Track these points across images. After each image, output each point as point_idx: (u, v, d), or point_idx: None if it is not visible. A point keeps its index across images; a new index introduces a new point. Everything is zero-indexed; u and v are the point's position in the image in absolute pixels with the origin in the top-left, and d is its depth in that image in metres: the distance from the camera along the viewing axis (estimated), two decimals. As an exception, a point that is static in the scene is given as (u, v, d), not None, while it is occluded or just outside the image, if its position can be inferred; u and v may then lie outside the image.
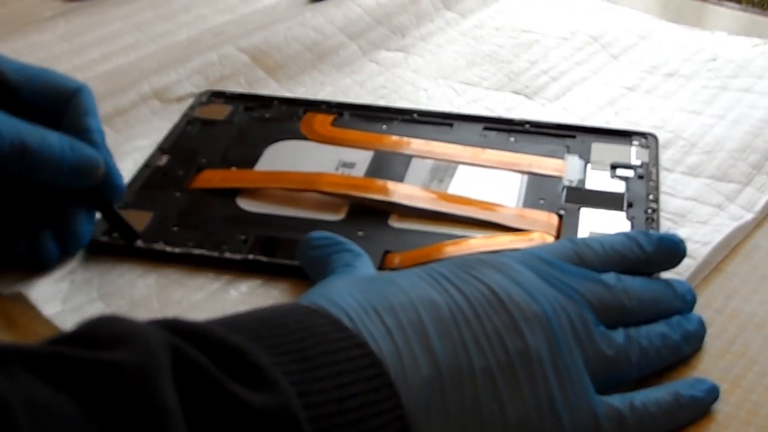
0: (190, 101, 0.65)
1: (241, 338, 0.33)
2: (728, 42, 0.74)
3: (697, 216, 0.54)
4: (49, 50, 0.72)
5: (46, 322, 0.47)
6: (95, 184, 0.49)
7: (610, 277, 0.43)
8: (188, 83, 0.67)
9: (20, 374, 0.27)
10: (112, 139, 0.61)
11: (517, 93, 0.68)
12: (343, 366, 0.34)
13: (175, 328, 0.32)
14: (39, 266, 0.49)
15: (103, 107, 0.62)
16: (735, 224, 0.54)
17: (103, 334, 0.30)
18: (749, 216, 0.55)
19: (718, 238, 0.52)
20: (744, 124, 0.63)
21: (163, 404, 0.28)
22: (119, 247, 0.51)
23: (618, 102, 0.66)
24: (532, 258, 0.42)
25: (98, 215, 0.52)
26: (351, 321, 0.36)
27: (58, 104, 0.50)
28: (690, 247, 0.51)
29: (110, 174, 0.50)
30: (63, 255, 0.50)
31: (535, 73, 0.70)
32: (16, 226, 0.49)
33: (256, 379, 0.31)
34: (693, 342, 0.45)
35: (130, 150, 0.60)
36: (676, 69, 0.70)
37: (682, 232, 0.52)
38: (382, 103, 0.66)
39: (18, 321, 0.48)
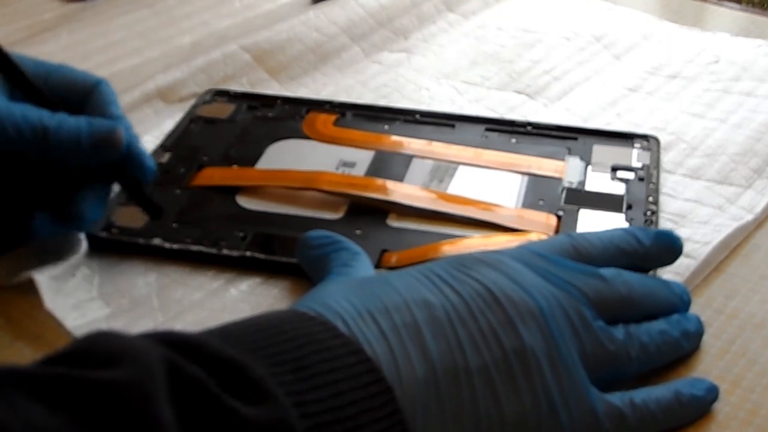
0: (193, 101, 0.66)
1: (237, 351, 0.33)
2: (731, 43, 0.74)
3: (697, 217, 0.54)
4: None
5: (44, 321, 0.47)
6: (117, 155, 0.48)
7: (608, 272, 0.43)
8: (192, 83, 0.67)
9: (17, 397, 0.27)
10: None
11: (519, 93, 0.68)
12: (340, 374, 0.34)
13: (172, 341, 0.32)
14: (27, 241, 0.49)
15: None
16: (735, 224, 0.54)
17: (99, 351, 0.30)
18: (750, 217, 0.55)
19: (718, 237, 0.52)
20: (745, 128, 0.63)
21: (160, 424, 0.28)
22: (118, 243, 0.52)
23: (620, 103, 0.66)
24: (528, 254, 0.42)
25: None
26: (346, 325, 0.36)
27: (79, 98, 0.50)
28: (690, 246, 0.51)
29: (138, 155, 0.50)
30: (64, 229, 0.50)
31: (537, 73, 0.70)
32: (13, 203, 0.49)
33: (253, 393, 0.31)
34: (692, 340, 0.45)
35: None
36: (678, 70, 0.70)
37: (682, 233, 0.52)
38: (383, 102, 0.67)
39: (18, 321, 0.48)
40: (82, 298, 0.48)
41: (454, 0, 0.80)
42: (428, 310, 0.38)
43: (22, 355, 0.46)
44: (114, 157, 0.48)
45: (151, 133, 0.62)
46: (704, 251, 0.51)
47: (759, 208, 0.55)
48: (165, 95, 0.66)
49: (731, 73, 0.70)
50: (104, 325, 0.47)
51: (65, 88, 0.50)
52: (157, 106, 0.65)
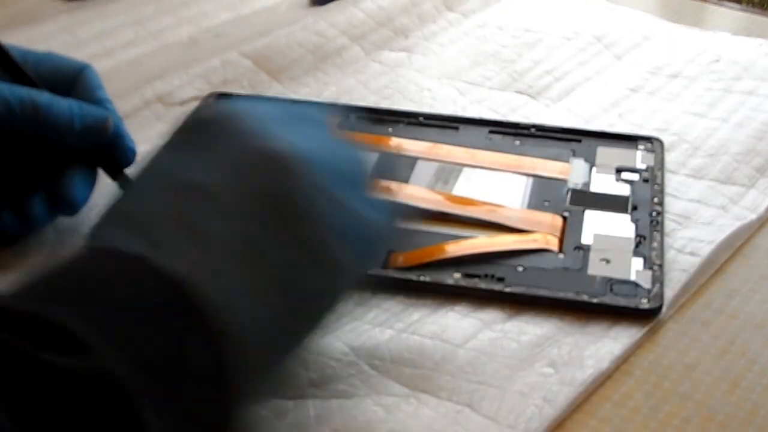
0: (193, 104, 0.66)
1: (47, 305, 0.31)
2: (732, 42, 0.74)
3: (701, 218, 0.55)
4: (48, 43, 0.72)
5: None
6: (104, 141, 0.50)
7: None
8: (191, 87, 0.67)
9: None
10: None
11: (520, 93, 0.68)
12: (149, 303, 0.32)
13: None
14: (26, 229, 0.50)
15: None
16: (738, 224, 0.54)
17: None
18: (753, 216, 0.55)
19: (721, 237, 0.53)
20: (747, 127, 0.63)
21: None
22: None
23: (621, 103, 0.66)
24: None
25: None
26: (145, 244, 0.34)
27: (66, 84, 0.52)
28: (694, 246, 0.52)
29: (122, 138, 0.52)
30: (56, 216, 0.51)
31: (538, 73, 0.71)
32: (6, 189, 0.50)
33: (67, 344, 0.30)
34: None
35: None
36: (680, 70, 0.70)
37: (687, 234, 0.53)
38: (385, 103, 0.67)
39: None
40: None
41: (454, -1, 0.80)
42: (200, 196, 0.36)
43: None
44: (102, 141, 0.50)
45: (151, 138, 0.61)
46: (708, 250, 0.51)
47: (762, 208, 0.56)
48: (164, 99, 0.66)
49: (732, 73, 0.70)
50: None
51: (53, 75, 0.52)
52: (157, 110, 0.65)
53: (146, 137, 0.62)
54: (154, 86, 0.66)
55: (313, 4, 0.79)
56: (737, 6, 0.81)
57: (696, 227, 0.54)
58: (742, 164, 0.59)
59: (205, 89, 0.67)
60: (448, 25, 0.78)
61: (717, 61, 0.71)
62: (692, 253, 0.51)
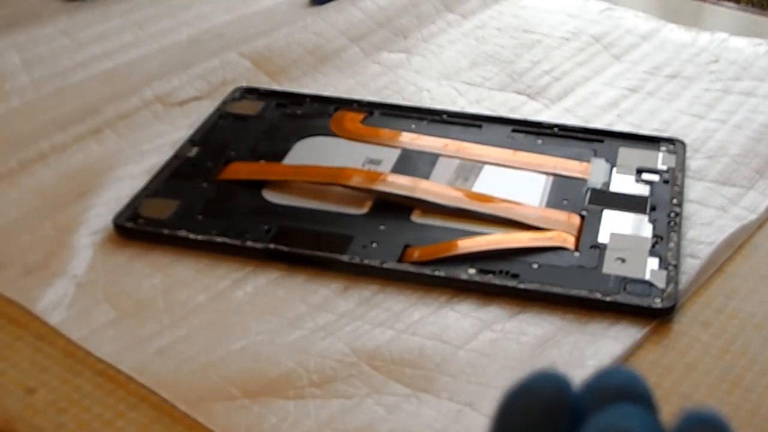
0: (193, 105, 0.66)
1: None
2: (730, 42, 0.74)
3: (701, 218, 0.55)
4: (49, 45, 0.72)
5: (45, 322, 0.47)
6: None
7: None
8: (191, 88, 0.67)
9: None
10: (116, 143, 0.61)
11: (519, 93, 0.68)
12: None
13: None
14: None
15: (106, 112, 0.63)
16: (738, 224, 0.54)
17: None
18: (753, 216, 0.55)
19: (721, 238, 0.53)
20: (746, 129, 0.63)
21: None
22: (144, 233, 0.53)
23: (620, 104, 0.67)
24: None
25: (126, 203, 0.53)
26: None
27: None
28: (695, 248, 0.52)
29: None
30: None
31: (537, 73, 0.71)
32: None
33: None
34: None
35: (132, 154, 0.60)
36: (678, 71, 0.71)
37: (687, 234, 0.53)
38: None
39: (18, 321, 0.48)
40: (88, 304, 0.48)
41: (452, 0, 0.80)
42: None
43: (23, 355, 0.46)
44: None
45: (151, 138, 0.62)
46: (708, 251, 0.52)
47: (761, 209, 0.56)
48: (164, 99, 0.66)
49: (731, 73, 0.70)
50: (111, 332, 0.47)
51: None
52: (157, 110, 0.65)
53: (145, 137, 0.63)
54: (154, 87, 0.66)
55: (313, 3, 0.79)
56: (735, 6, 0.82)
57: (696, 228, 0.54)
58: (741, 166, 0.59)
59: (204, 89, 0.68)
60: (447, 26, 0.78)
61: (715, 61, 0.72)
62: (692, 255, 0.51)
